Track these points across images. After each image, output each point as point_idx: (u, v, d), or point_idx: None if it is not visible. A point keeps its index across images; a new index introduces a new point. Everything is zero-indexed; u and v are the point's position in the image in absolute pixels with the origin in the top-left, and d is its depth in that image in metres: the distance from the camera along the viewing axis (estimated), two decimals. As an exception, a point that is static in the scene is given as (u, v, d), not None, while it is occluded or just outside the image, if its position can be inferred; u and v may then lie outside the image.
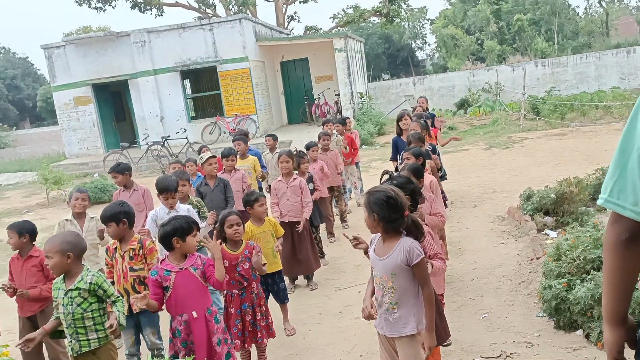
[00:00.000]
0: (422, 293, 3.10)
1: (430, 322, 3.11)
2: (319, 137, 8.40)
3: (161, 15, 29.94)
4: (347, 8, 33.08)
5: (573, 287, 4.38)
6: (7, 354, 2.56)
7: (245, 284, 4.34)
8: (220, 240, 4.15)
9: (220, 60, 19.33)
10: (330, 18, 44.66)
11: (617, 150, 1.65)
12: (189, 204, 5.54)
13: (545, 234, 6.58)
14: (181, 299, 3.71)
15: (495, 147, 14.19)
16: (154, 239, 4.64)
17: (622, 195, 1.62)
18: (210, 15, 29.11)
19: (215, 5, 30.89)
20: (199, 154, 7.56)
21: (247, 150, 8.10)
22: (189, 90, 22.01)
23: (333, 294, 6.03)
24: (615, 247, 1.66)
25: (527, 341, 4.39)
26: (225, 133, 19.23)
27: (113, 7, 28.96)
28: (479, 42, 38.51)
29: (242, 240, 4.44)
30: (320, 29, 32.60)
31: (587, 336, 4.25)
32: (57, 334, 3.69)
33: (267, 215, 5.39)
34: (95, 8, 28.39)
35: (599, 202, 1.71)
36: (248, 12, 27.12)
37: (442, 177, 8.01)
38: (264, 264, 4.41)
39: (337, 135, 9.14)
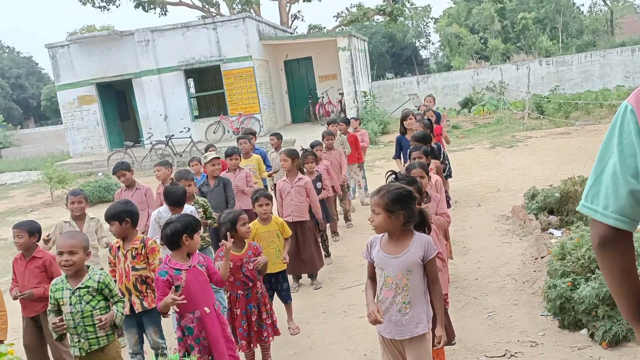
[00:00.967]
0: (431, 290, 3.10)
1: (442, 318, 3.15)
2: (323, 137, 8.40)
3: (165, 14, 29.98)
4: (350, 7, 33.02)
5: (578, 286, 4.37)
6: (12, 352, 2.57)
7: (251, 284, 4.34)
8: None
9: (224, 59, 19.34)
10: (333, 17, 44.60)
11: (597, 156, 1.70)
12: (195, 203, 5.54)
13: (550, 233, 6.56)
14: (192, 296, 3.71)
15: (499, 146, 14.16)
16: (157, 239, 4.64)
17: (595, 200, 1.67)
18: (214, 14, 29.10)
19: (219, 4, 30.89)
20: (206, 152, 7.56)
21: (252, 149, 8.09)
22: (192, 89, 22.03)
23: (337, 293, 6.03)
24: (597, 252, 1.71)
25: (531, 340, 4.38)
26: (229, 132, 19.25)
27: (117, 6, 29.01)
28: (483, 40, 38.42)
29: (244, 241, 4.43)
30: (324, 27, 32.58)
31: (591, 335, 4.23)
32: (61, 334, 3.71)
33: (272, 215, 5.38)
34: (99, 7, 28.42)
35: (577, 207, 1.76)
36: (252, 11, 27.12)
37: (447, 176, 7.99)
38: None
39: (341, 135, 9.14)
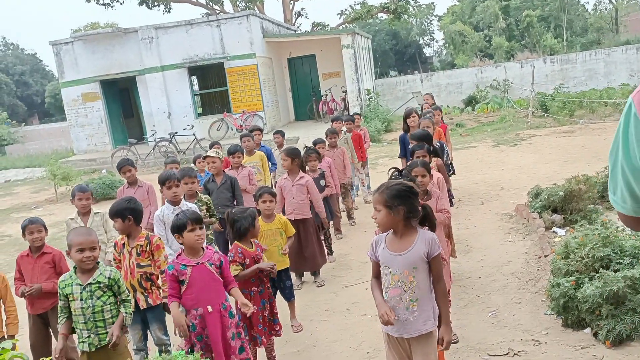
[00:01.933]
0: (435, 288, 3.10)
1: (447, 316, 3.16)
2: (327, 135, 8.39)
3: (169, 11, 30.03)
4: (354, 4, 33.02)
5: (581, 285, 4.36)
6: (16, 348, 2.58)
7: (266, 279, 4.38)
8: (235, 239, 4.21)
9: (228, 57, 19.35)
10: (337, 14, 44.53)
11: (609, 152, 1.71)
12: (198, 201, 5.54)
13: (554, 231, 6.54)
14: (196, 293, 3.74)
15: (503, 144, 14.13)
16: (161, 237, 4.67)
17: (615, 192, 1.70)
18: (218, 12, 29.12)
19: (222, 2, 30.91)
20: (210, 150, 7.57)
21: (257, 146, 8.11)
22: (196, 87, 22.07)
23: (340, 290, 6.03)
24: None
25: (534, 339, 4.37)
26: (232, 129, 19.26)
27: (121, 3, 29.07)
28: (487, 38, 38.33)
29: (250, 241, 4.43)
30: (328, 25, 32.56)
31: (595, 334, 4.22)
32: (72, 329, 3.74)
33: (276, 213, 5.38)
34: (103, 4, 28.48)
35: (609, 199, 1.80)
36: (255, 8, 27.13)
37: (450, 173, 7.98)
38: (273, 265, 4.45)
39: (345, 133, 9.12)
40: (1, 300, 4.47)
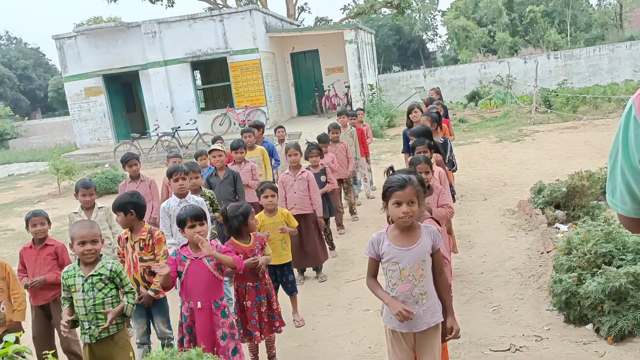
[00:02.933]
0: (437, 281, 3.12)
1: (451, 307, 3.22)
2: (329, 130, 8.38)
3: (172, 5, 29.95)
4: (357, -1, 32.96)
5: (583, 281, 4.36)
6: (20, 342, 2.59)
7: (261, 275, 4.36)
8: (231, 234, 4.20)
9: (231, 52, 19.33)
10: (340, 9, 44.51)
11: (609, 153, 1.70)
12: (202, 195, 5.56)
13: (556, 227, 6.54)
14: (189, 287, 3.81)
15: (506, 140, 14.11)
16: (165, 232, 4.69)
17: (614, 194, 1.69)
18: (221, 6, 29.06)
19: (225, -4, 30.83)
20: (213, 144, 7.58)
21: (259, 141, 8.11)
22: (199, 82, 22.04)
23: (342, 285, 6.04)
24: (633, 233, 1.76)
25: (536, 335, 4.38)
26: (235, 124, 19.26)
27: (124, -2, 29.00)
28: (491, 34, 38.19)
29: (249, 235, 4.44)
30: (331, 20, 32.50)
31: (597, 330, 4.23)
32: (73, 323, 3.75)
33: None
34: (107, -2, 28.43)
35: (607, 199, 1.79)
36: (258, 3, 27.06)
37: (453, 169, 7.95)
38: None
39: (351, 127, 9.10)
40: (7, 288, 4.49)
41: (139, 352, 4.35)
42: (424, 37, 52.24)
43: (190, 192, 5.34)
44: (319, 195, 6.41)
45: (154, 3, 29.26)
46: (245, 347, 4.38)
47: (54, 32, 20.73)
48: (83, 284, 3.57)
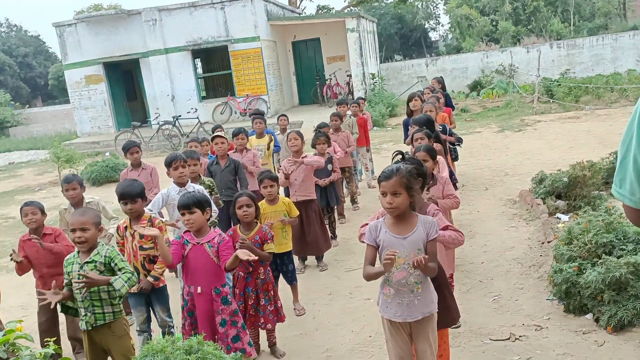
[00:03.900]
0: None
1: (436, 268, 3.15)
2: (330, 118, 8.36)
3: (173, -7, 29.75)
4: (359, -13, 32.68)
5: (584, 271, 4.36)
6: (20, 329, 2.60)
7: (251, 268, 4.33)
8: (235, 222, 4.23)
9: (232, 40, 19.24)
10: (342, -3, 44.17)
11: (621, 142, 1.68)
12: (201, 184, 5.55)
13: (557, 217, 6.54)
14: (191, 271, 3.86)
15: (507, 129, 14.07)
16: (162, 218, 4.68)
17: (623, 185, 1.67)
18: (222, -6, 28.87)
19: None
20: (213, 133, 7.58)
21: (264, 129, 8.15)
22: (200, 70, 21.96)
23: (343, 274, 6.05)
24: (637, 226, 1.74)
25: (536, 324, 4.39)
26: (236, 113, 19.22)
27: (124, -15, 28.83)
28: (494, 23, 37.95)
29: (256, 223, 4.44)
30: (333, 8, 32.32)
31: (596, 320, 4.24)
32: (75, 311, 3.76)
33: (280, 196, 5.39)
34: (107, -15, 28.25)
35: (612, 190, 1.76)
36: (260, -10, 26.85)
37: (454, 158, 7.95)
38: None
39: (350, 117, 9.08)
40: None
41: (139, 340, 4.36)
42: (426, 25, 51.87)
43: (190, 181, 5.33)
44: (313, 158, 6.39)
45: (154, -10, 29.08)
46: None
47: (55, 20, 20.68)
48: (79, 271, 3.58)
